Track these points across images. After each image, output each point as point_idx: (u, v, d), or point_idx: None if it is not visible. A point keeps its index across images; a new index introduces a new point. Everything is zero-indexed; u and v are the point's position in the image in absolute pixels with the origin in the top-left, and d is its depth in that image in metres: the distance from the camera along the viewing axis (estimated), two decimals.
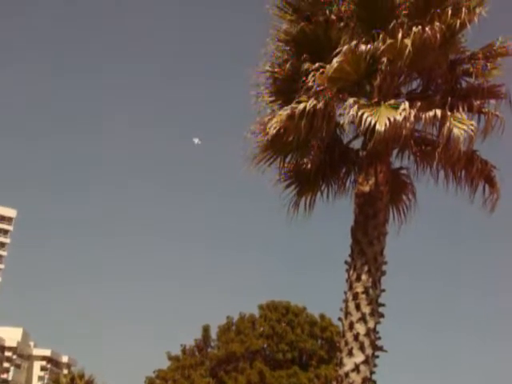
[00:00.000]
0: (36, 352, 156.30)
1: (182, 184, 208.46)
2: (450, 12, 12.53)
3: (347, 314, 12.93)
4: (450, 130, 12.22)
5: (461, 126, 12.27)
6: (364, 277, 12.92)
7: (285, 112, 12.97)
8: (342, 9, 13.52)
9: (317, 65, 12.79)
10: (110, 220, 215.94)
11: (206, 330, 50.31)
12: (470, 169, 13.79)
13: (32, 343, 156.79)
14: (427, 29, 12.31)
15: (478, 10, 12.68)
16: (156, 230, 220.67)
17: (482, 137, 13.25)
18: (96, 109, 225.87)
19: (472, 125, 12.39)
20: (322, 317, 48.22)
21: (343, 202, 14.80)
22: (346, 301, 13.09)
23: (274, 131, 13.04)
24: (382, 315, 13.06)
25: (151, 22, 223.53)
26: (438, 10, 12.66)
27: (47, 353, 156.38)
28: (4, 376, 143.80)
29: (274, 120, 13.08)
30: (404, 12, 13.19)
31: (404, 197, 14.98)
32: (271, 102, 14.30)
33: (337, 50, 12.61)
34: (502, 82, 13.85)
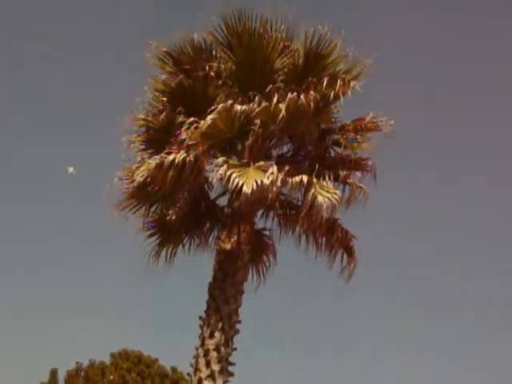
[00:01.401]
0: None
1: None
2: (325, 82, 12.79)
3: (197, 369, 12.74)
4: (315, 197, 12.24)
5: (325, 193, 12.34)
6: (217, 334, 12.81)
7: (154, 161, 12.82)
8: (222, 67, 13.68)
9: (191, 119, 12.81)
10: None
11: (53, 374, 48.54)
12: (331, 236, 14.01)
13: None
14: (302, 96, 12.49)
15: (352, 84, 12.96)
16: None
17: (345, 206, 13.44)
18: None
19: (336, 193, 12.44)
20: (174, 370, 47.47)
21: (204, 257, 14.78)
22: (196, 356, 12.90)
23: (141, 179, 12.87)
24: (231, 374, 12.95)
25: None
26: (315, 80, 12.93)
27: None
28: None
29: (142, 168, 12.92)
30: (281, 77, 13.46)
31: (265, 257, 15.03)
32: (142, 150, 14.20)
33: (212, 107, 12.68)
34: (368, 156, 14.20)
